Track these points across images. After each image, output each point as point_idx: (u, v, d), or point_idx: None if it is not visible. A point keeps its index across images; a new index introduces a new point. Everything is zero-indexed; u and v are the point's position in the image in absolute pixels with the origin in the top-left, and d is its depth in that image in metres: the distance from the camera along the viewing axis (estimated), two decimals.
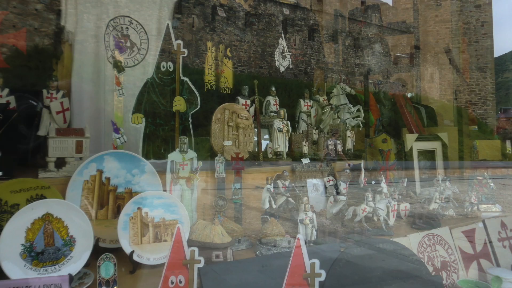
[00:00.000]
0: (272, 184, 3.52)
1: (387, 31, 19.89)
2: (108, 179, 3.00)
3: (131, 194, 3.01)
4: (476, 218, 3.95)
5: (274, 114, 5.39)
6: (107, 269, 2.24)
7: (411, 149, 4.83)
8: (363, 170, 4.00)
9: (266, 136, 5.11)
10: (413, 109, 9.04)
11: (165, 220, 2.74)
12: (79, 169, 2.94)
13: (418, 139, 4.96)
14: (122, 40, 4.47)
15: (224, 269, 2.43)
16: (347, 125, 5.98)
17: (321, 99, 6.63)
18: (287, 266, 2.20)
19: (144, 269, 2.56)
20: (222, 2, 14.45)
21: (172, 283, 2.14)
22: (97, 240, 2.64)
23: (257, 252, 2.90)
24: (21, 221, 2.26)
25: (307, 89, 6.48)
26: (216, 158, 3.57)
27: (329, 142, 4.98)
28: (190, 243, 2.52)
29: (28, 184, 2.71)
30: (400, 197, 4.06)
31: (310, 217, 3.12)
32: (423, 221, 3.75)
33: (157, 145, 4.05)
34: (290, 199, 3.61)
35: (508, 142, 8.23)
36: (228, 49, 6.28)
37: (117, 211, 2.93)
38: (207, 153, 4.00)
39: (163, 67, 4.08)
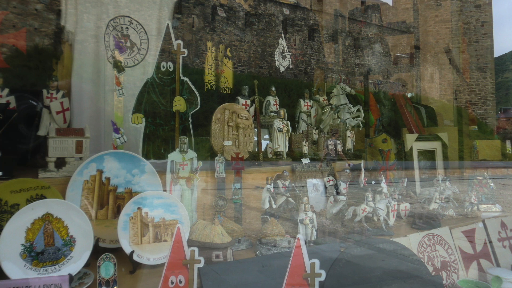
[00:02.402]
0: (272, 184, 3.52)
1: (387, 31, 19.88)
2: (108, 179, 3.00)
3: (131, 194, 3.01)
4: (476, 218, 3.95)
5: (274, 114, 5.39)
6: (107, 269, 2.24)
7: (411, 149, 4.83)
8: (363, 170, 4.00)
9: (266, 136, 5.11)
10: (413, 109, 9.04)
11: (165, 220, 2.74)
12: (79, 169, 2.94)
13: (418, 139, 4.95)
14: (122, 40, 4.47)
15: (224, 269, 2.42)
16: (347, 125, 5.98)
17: (321, 99, 6.63)
18: (287, 266, 2.20)
19: (144, 269, 2.56)
20: (222, 2, 14.44)
21: (172, 283, 2.14)
22: (97, 240, 2.64)
23: (257, 252, 2.90)
24: (21, 221, 2.26)
25: (307, 89, 6.49)
26: (216, 158, 3.57)
27: (329, 142, 4.97)
28: (190, 243, 2.52)
29: (28, 184, 2.71)
30: (400, 197, 4.06)
31: (310, 217, 3.12)
32: (423, 221, 3.75)
33: (157, 145, 4.05)
34: (290, 199, 3.61)
35: (508, 142, 8.24)
36: (228, 49, 6.28)
37: (117, 211, 2.93)
38: (207, 153, 4.00)
39: (163, 67, 4.09)
